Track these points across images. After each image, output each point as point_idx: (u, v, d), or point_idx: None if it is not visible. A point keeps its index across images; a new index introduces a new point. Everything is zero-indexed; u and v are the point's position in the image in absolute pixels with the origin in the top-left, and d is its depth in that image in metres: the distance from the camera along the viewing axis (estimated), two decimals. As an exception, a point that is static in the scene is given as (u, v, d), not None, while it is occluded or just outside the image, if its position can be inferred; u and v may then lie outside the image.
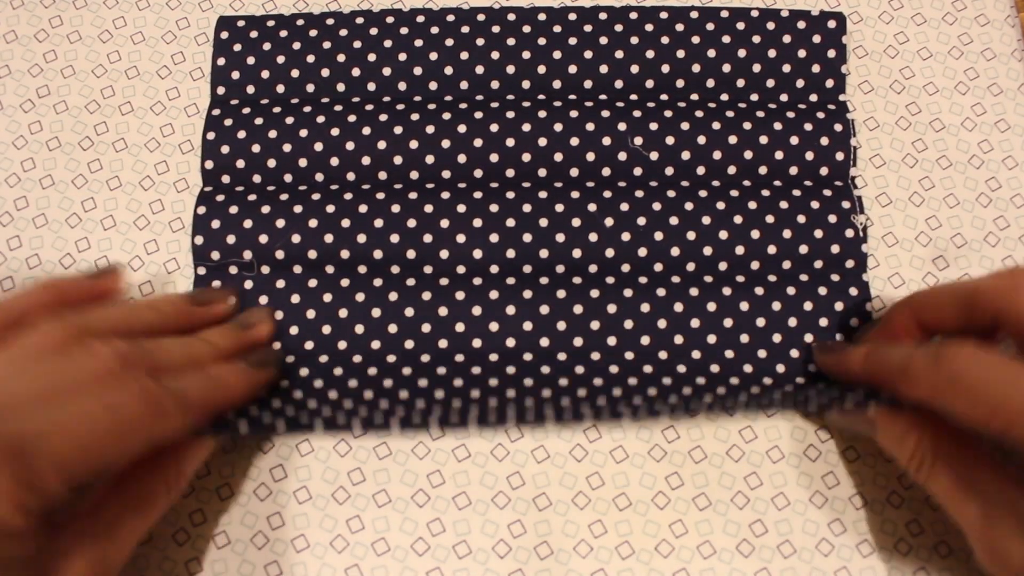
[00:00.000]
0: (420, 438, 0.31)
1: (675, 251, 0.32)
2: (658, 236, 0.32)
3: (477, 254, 0.32)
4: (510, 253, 0.32)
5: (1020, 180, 0.34)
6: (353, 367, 0.31)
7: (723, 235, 0.32)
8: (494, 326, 0.31)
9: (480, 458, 0.31)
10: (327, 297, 0.32)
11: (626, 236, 0.32)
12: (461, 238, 0.32)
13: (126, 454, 0.24)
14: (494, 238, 0.32)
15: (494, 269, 0.32)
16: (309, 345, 0.31)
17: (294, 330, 0.31)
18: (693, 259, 0.32)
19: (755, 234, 0.32)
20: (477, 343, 0.31)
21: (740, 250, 0.32)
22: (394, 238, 0.32)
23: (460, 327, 0.31)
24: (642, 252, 0.32)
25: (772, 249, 0.32)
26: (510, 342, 0.31)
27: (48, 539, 0.23)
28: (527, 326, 0.31)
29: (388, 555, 0.30)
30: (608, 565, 0.30)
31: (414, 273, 0.32)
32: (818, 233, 0.32)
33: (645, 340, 0.31)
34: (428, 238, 0.32)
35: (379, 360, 0.31)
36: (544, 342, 0.31)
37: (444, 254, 0.32)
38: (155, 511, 0.27)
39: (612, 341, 0.31)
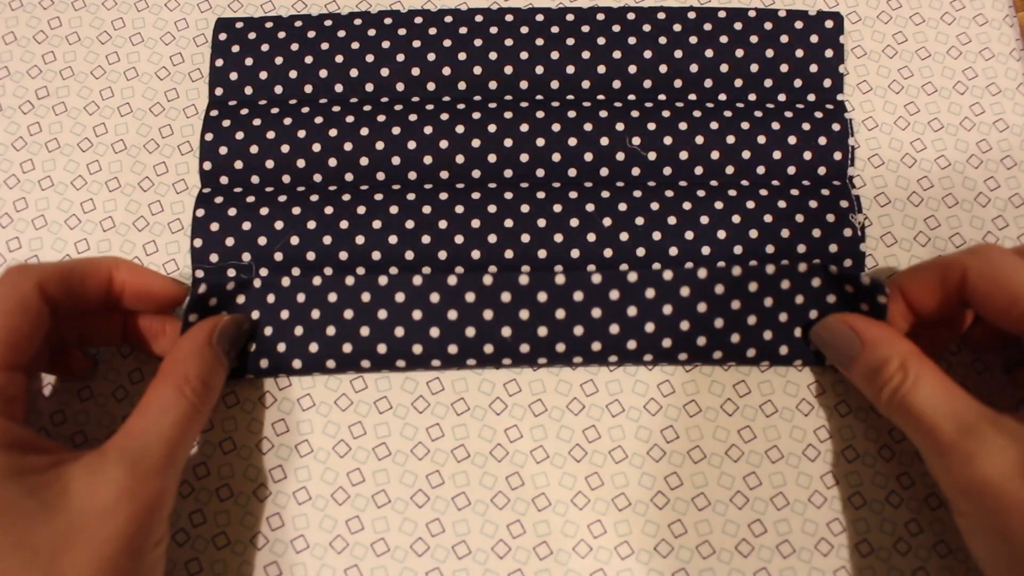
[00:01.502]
0: (419, 439, 0.31)
1: (673, 250, 0.32)
2: (656, 236, 0.32)
3: (475, 255, 0.32)
4: (508, 253, 0.32)
5: (1018, 180, 0.34)
6: (358, 367, 0.31)
7: (721, 234, 0.32)
8: (505, 329, 0.31)
9: (479, 458, 0.31)
10: (332, 297, 0.31)
11: (624, 236, 0.32)
12: (459, 239, 0.32)
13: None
14: (492, 238, 0.32)
15: (492, 269, 0.32)
16: (314, 347, 0.31)
17: (299, 330, 0.31)
18: (691, 258, 0.32)
19: (753, 233, 0.32)
20: (488, 348, 0.31)
21: (738, 249, 0.32)
22: (392, 239, 0.32)
23: (471, 332, 0.31)
24: (640, 252, 0.32)
25: (770, 248, 0.32)
26: (506, 331, 0.31)
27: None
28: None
29: (388, 555, 0.30)
30: (607, 565, 0.30)
31: (414, 273, 0.32)
32: (816, 232, 0.32)
33: (650, 327, 0.31)
34: (426, 239, 0.32)
35: (383, 361, 0.31)
36: (542, 331, 0.31)
37: (443, 255, 0.32)
38: (173, 412, 0.26)
39: (615, 329, 0.31)
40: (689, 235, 0.32)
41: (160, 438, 0.25)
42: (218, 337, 0.29)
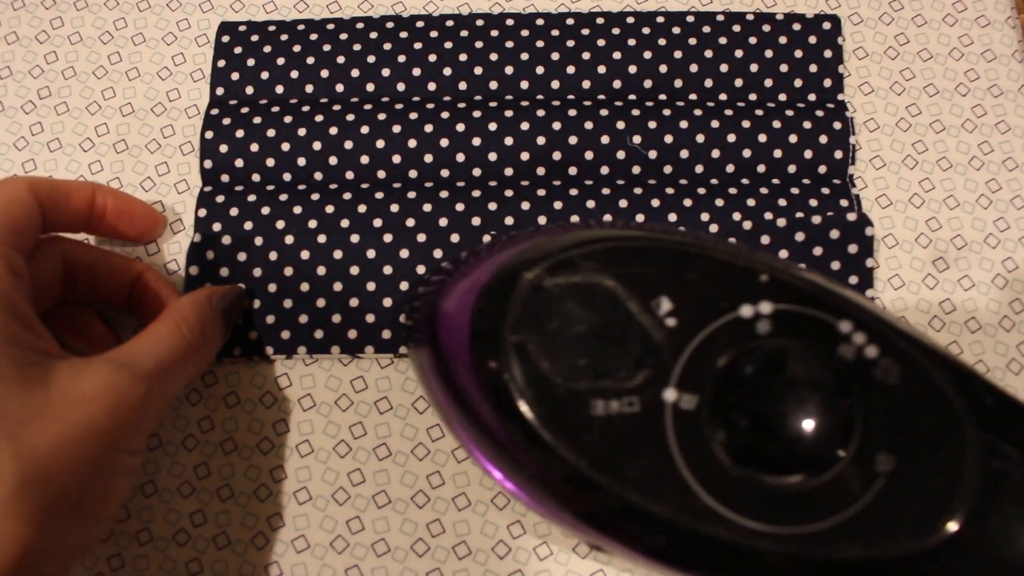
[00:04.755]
0: (420, 439, 0.31)
1: None
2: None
3: None
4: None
5: (1020, 182, 0.34)
6: (361, 351, 0.31)
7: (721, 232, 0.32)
8: None
9: (480, 459, 0.31)
10: (320, 302, 0.32)
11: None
12: (458, 237, 0.32)
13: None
14: (489, 238, 0.32)
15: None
16: (319, 334, 0.31)
17: (304, 318, 0.31)
18: None
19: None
20: None
21: None
22: (392, 238, 0.32)
23: None
24: None
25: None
26: None
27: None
28: None
29: (388, 556, 0.30)
30: (607, 566, 0.30)
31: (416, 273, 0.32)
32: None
33: None
34: (426, 237, 0.32)
35: (388, 346, 0.31)
36: None
37: (438, 253, 0.32)
38: (167, 340, 0.27)
39: None
40: None
41: (151, 355, 0.25)
42: (218, 298, 0.30)
